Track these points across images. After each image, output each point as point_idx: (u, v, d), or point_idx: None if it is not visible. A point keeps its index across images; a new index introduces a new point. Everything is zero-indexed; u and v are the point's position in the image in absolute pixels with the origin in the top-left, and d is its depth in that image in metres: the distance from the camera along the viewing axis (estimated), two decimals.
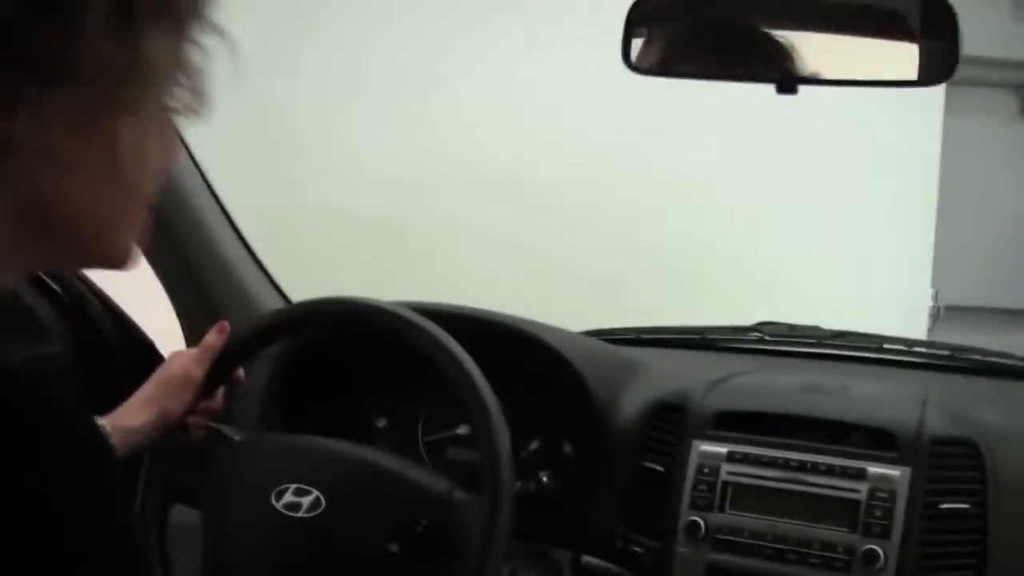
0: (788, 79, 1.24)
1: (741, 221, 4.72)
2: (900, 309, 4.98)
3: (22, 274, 0.81)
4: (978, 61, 5.24)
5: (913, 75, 1.24)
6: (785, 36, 1.27)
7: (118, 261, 0.79)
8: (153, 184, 0.78)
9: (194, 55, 0.75)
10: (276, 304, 2.09)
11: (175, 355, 1.56)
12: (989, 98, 5.54)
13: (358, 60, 4.36)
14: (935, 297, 5.20)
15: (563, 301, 3.10)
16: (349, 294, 1.58)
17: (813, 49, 1.27)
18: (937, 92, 5.05)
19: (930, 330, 5.19)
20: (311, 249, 4.14)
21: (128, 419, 1.44)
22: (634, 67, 1.36)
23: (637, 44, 1.37)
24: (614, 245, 4.59)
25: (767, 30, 1.29)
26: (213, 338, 1.55)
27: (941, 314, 5.35)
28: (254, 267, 2.09)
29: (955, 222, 5.25)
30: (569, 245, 4.56)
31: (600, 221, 4.60)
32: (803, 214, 4.76)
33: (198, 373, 1.52)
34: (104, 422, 1.40)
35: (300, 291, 2.06)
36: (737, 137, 4.52)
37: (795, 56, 1.28)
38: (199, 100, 0.76)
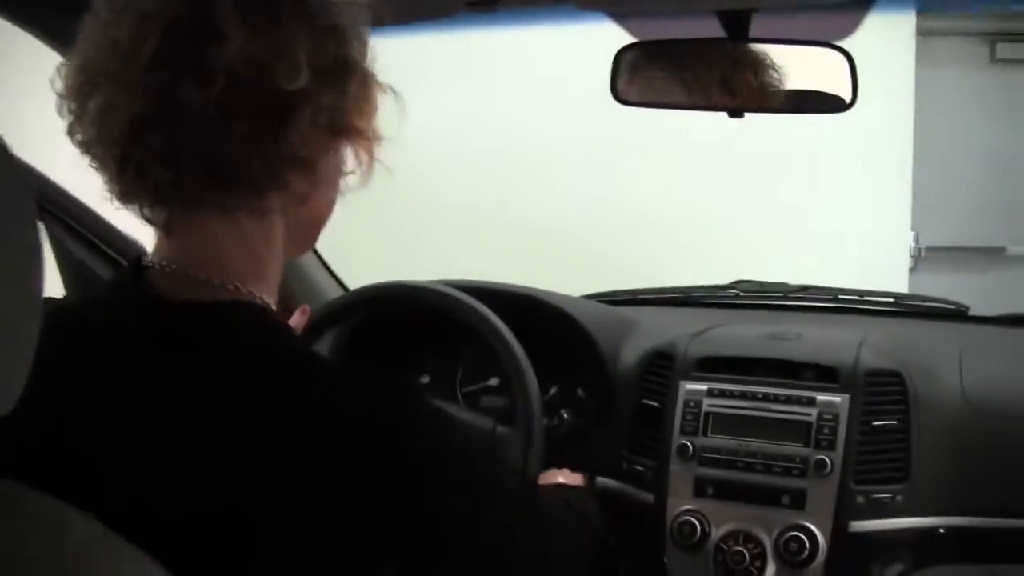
0: (737, 110, 1.69)
1: (721, 177, 4.98)
2: (882, 253, 5.24)
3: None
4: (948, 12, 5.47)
5: (824, 107, 1.70)
6: (733, 78, 1.71)
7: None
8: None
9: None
10: (332, 287, 2.46)
11: None
12: (960, 47, 5.62)
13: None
14: (916, 239, 5.50)
15: (560, 270, 3.44)
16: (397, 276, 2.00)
17: (755, 88, 1.71)
18: (908, 43, 5.27)
19: (912, 271, 5.47)
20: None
21: None
22: (620, 99, 1.80)
23: (622, 81, 1.79)
24: (602, 213, 4.90)
25: (720, 75, 1.72)
26: (298, 319, 1.82)
27: (922, 256, 5.57)
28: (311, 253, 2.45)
29: (932, 167, 5.41)
30: (563, 218, 4.88)
31: (590, 191, 4.92)
32: (783, 167, 5.02)
33: None
34: None
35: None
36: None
37: (742, 93, 1.72)
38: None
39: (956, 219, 5.69)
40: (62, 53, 1.47)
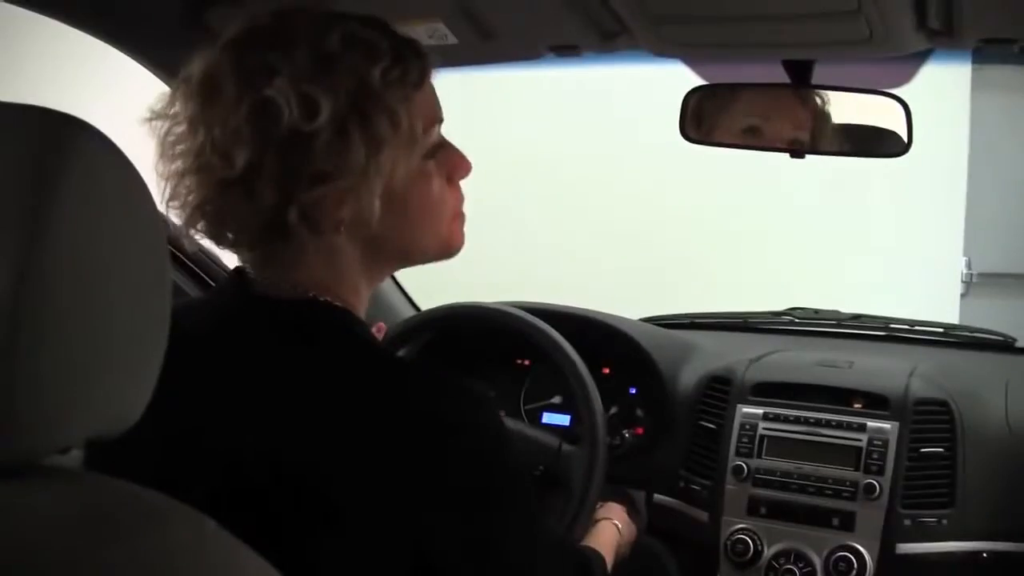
0: (799, 152, 1.78)
1: (776, 202, 5.01)
2: (934, 278, 5.28)
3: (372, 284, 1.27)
4: None
5: (880, 151, 1.79)
6: (797, 122, 1.80)
7: (437, 256, 1.29)
8: (436, 209, 1.24)
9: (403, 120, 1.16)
10: (405, 307, 2.54)
11: None
12: (1014, 73, 5.61)
13: None
14: (968, 265, 5.51)
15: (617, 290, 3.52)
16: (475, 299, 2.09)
17: (816, 130, 1.80)
18: (964, 72, 5.28)
19: (963, 296, 5.48)
20: None
21: None
22: (687, 136, 1.89)
23: (690, 120, 1.88)
24: (659, 237, 4.95)
25: (784, 119, 1.82)
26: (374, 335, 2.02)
27: (973, 281, 5.59)
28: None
29: (984, 193, 5.44)
30: (624, 241, 4.92)
31: (651, 218, 4.98)
32: (837, 191, 5.04)
33: None
34: None
35: None
36: None
37: (804, 136, 1.81)
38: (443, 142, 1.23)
39: (1008, 245, 5.68)
40: (167, 81, 1.60)
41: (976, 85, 5.31)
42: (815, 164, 4.54)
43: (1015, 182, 5.59)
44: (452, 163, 1.25)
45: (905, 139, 1.73)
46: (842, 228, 5.06)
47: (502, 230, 4.72)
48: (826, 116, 1.81)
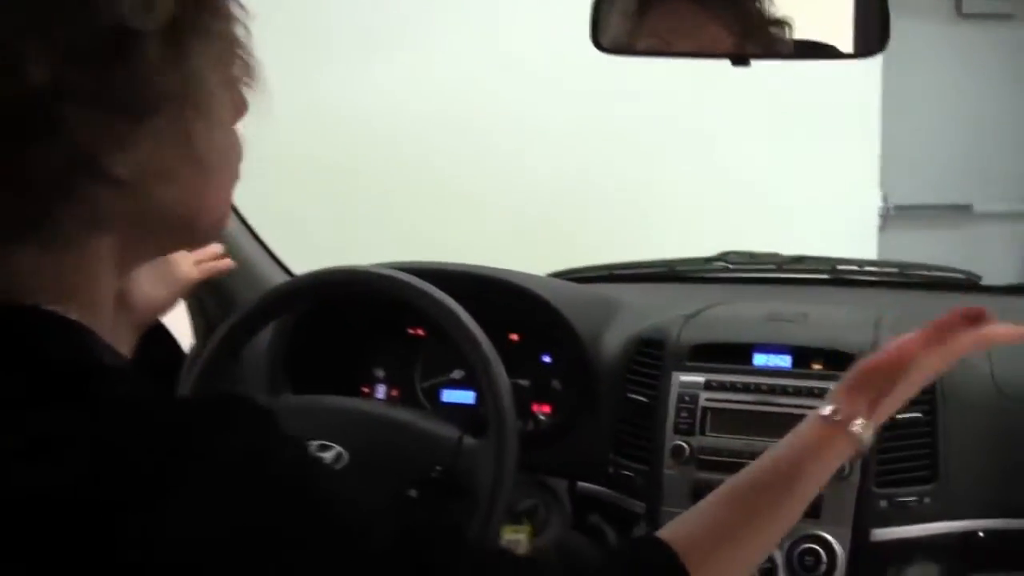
0: (741, 56, 1.40)
1: (687, 143, 4.78)
2: (852, 213, 5.10)
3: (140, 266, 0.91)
4: None
5: (850, 49, 1.42)
6: (737, 16, 1.43)
7: (210, 238, 0.93)
8: (234, 164, 0.90)
9: (239, 47, 0.86)
10: (276, 274, 2.21)
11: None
12: (926, 1, 5.57)
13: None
14: (884, 198, 5.36)
15: (521, 243, 3.21)
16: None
17: (762, 28, 1.43)
18: None
19: (881, 230, 5.33)
20: (271, 198, 4.19)
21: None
22: (601, 47, 1.51)
23: (605, 25, 1.50)
24: (566, 186, 4.67)
25: (721, 12, 1.44)
26: (222, 265, 1.67)
27: (891, 214, 5.47)
28: (250, 238, 2.20)
29: (900, 124, 5.30)
30: (521, 186, 4.63)
31: (552, 158, 4.68)
32: (747, 129, 4.84)
33: (195, 276, 1.58)
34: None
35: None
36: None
37: (746, 34, 1.44)
38: (254, 81, 0.89)
39: (925, 176, 5.62)
40: None
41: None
42: (729, 100, 4.36)
43: (930, 112, 5.58)
44: (238, 98, 0.91)
45: (878, 30, 1.35)
46: (751, 164, 4.82)
47: (377, 183, 4.46)
48: (771, 16, 1.43)
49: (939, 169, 5.63)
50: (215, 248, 1.65)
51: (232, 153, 0.89)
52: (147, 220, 0.83)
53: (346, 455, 1.55)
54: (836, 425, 1.17)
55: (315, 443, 1.56)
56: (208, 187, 0.87)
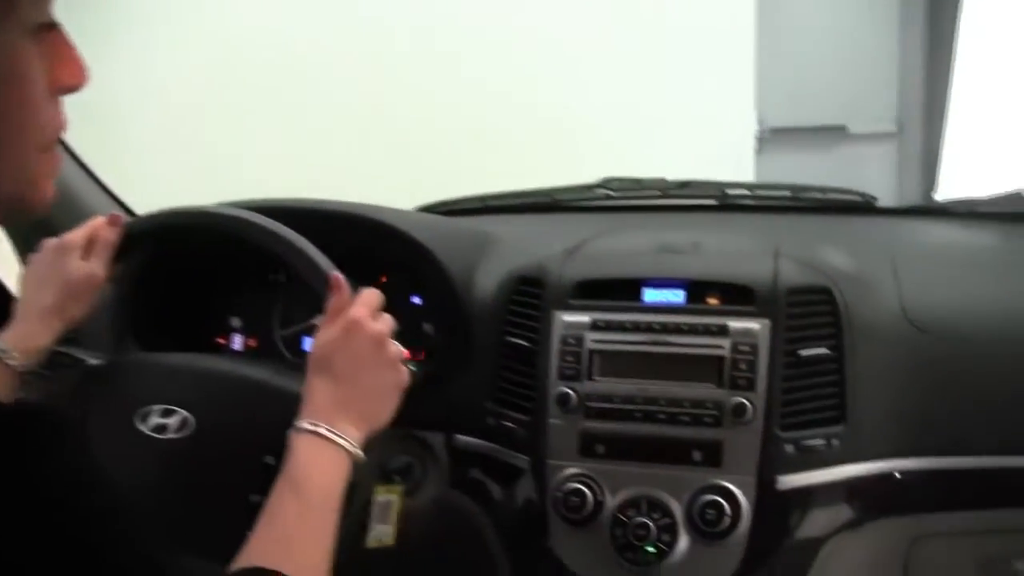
0: None
1: (558, 67, 4.64)
2: (727, 137, 5.03)
3: None
4: None
5: None
6: None
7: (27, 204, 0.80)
8: (45, 122, 0.78)
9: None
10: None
11: (59, 252, 1.46)
12: None
13: None
14: (760, 121, 5.30)
15: (386, 176, 3.05)
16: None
17: None
18: None
19: (758, 153, 5.28)
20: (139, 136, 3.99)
21: (31, 337, 1.37)
22: None
23: None
24: (434, 113, 4.51)
25: None
26: (110, 233, 1.48)
27: (766, 137, 5.44)
28: (90, 182, 2.00)
29: (774, 45, 5.27)
30: (384, 115, 4.45)
31: (416, 84, 4.50)
32: (621, 54, 4.71)
33: (101, 273, 1.46)
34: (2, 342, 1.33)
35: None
36: None
37: None
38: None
39: (800, 99, 5.67)
40: None
41: None
42: (600, 23, 4.26)
43: (805, 34, 5.64)
44: (62, 58, 0.81)
45: None
46: (622, 86, 4.70)
47: (236, 120, 4.20)
48: None
49: (814, 91, 5.67)
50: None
51: (36, 104, 0.79)
52: None
53: (192, 420, 1.38)
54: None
55: (157, 408, 1.39)
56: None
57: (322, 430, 1.21)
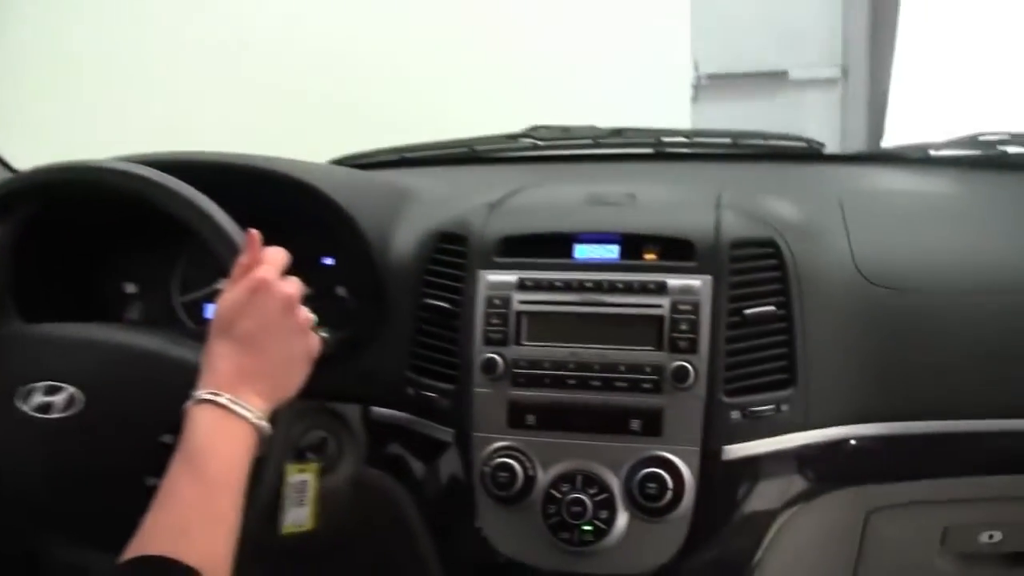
0: None
1: (478, 10, 4.60)
2: (661, 84, 5.06)
3: None
4: None
5: None
6: None
7: None
8: None
9: None
10: None
11: None
12: None
13: None
14: (696, 67, 5.32)
15: (296, 128, 3.02)
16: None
17: None
18: None
19: (694, 101, 5.32)
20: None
21: None
22: None
23: None
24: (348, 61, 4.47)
25: None
26: None
27: (703, 84, 5.47)
28: None
29: None
30: (293, 63, 4.41)
31: (330, 31, 4.46)
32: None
33: None
34: None
35: None
36: None
37: None
38: None
39: (738, 44, 5.69)
40: None
41: None
42: None
43: None
44: None
45: None
46: (556, 34, 4.68)
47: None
48: None
49: (753, 35, 5.66)
50: None
51: None
52: None
53: (81, 397, 1.36)
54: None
55: (41, 385, 1.37)
56: None
57: (222, 399, 1.20)
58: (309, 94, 4.01)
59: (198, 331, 1.41)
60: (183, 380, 1.29)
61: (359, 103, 4.15)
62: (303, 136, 2.32)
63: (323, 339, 1.41)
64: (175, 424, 1.26)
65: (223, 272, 1.40)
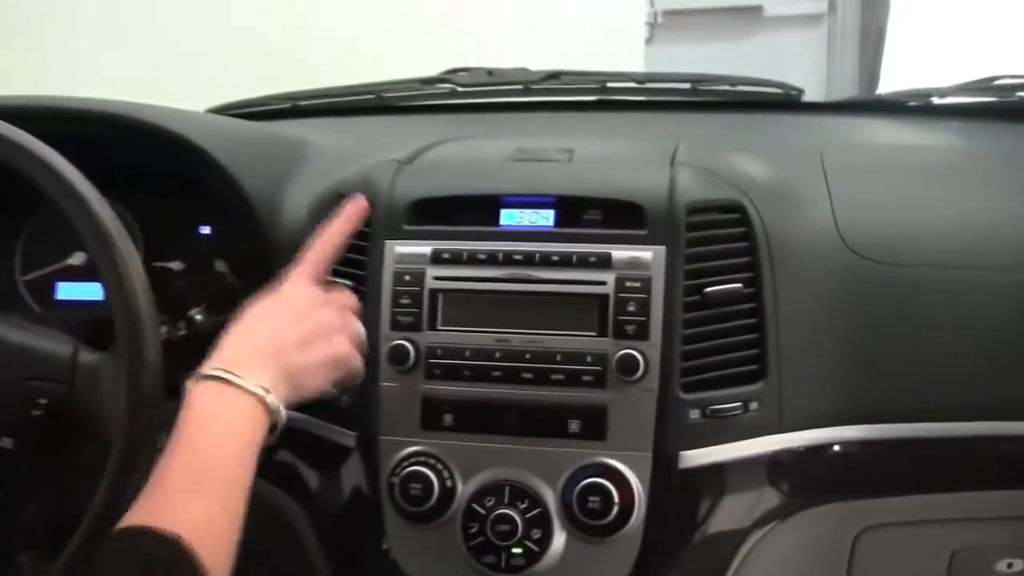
0: None
1: None
2: (610, 22, 5.12)
3: None
4: None
5: None
6: None
7: None
8: None
9: None
10: None
11: None
12: None
13: None
14: (651, 3, 5.40)
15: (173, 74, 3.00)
16: None
17: None
18: None
19: (648, 42, 5.40)
20: None
21: None
22: None
23: None
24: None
25: None
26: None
27: (659, 21, 5.53)
28: None
29: None
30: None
31: None
32: None
33: None
34: None
35: None
36: None
37: None
38: None
39: None
40: None
41: None
42: None
43: None
44: None
45: None
46: None
47: None
48: None
49: None
50: None
51: None
52: None
53: None
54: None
55: None
56: None
57: (222, 373, 1.23)
58: (186, 32, 4.00)
59: (45, 315, 1.40)
60: (25, 371, 1.33)
61: (248, 45, 4.14)
62: (181, 84, 2.31)
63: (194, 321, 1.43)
64: (18, 425, 1.32)
65: (77, 246, 1.38)
